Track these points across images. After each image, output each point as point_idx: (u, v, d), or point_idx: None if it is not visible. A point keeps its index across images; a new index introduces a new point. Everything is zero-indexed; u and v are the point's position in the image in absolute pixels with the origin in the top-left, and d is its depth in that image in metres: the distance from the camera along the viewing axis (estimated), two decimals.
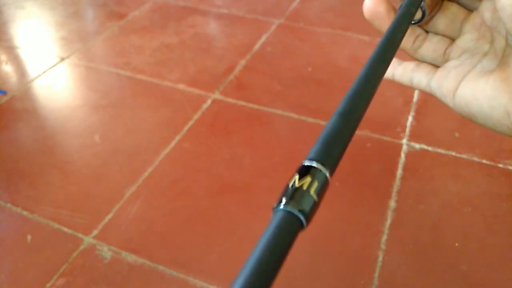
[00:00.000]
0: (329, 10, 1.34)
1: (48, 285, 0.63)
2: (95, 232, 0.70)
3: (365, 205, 0.75)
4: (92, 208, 0.74)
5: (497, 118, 0.21)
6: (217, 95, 0.99)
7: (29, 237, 0.70)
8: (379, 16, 0.24)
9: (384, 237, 0.69)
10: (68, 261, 0.66)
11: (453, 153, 0.84)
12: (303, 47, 1.17)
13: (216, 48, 1.17)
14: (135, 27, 1.27)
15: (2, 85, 1.04)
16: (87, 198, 0.76)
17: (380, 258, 0.66)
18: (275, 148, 0.86)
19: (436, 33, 0.26)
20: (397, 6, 0.23)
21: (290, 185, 0.14)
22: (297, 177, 0.14)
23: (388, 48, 0.20)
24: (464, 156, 0.84)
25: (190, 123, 0.92)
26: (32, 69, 1.10)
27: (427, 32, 0.26)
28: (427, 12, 0.24)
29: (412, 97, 0.99)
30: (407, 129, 0.90)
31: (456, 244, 0.68)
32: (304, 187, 0.14)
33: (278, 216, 0.13)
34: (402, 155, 0.84)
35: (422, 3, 0.23)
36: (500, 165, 0.81)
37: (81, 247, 0.68)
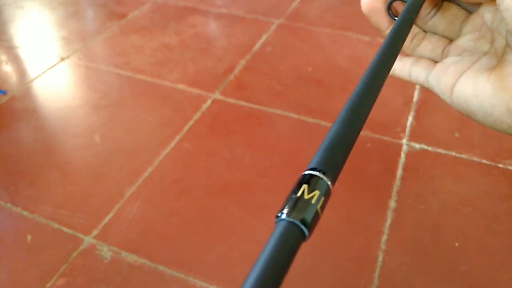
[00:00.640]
0: (329, 10, 1.34)
1: (48, 285, 0.63)
2: (95, 232, 0.70)
3: (365, 205, 0.75)
4: (92, 208, 0.74)
5: (498, 116, 0.21)
6: (217, 95, 0.99)
7: (29, 237, 0.70)
8: (376, 11, 0.25)
9: (384, 237, 0.69)
10: (68, 261, 0.66)
11: (453, 153, 0.84)
12: (303, 47, 1.17)
13: (216, 48, 1.17)
14: (135, 27, 1.27)
15: (2, 85, 1.04)
16: (87, 198, 0.76)
17: (380, 258, 0.66)
18: (275, 148, 0.86)
19: (435, 34, 0.26)
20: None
21: (293, 195, 0.14)
22: (300, 186, 0.14)
23: (389, 55, 0.20)
24: (464, 156, 0.84)
25: (190, 123, 0.92)
26: (32, 69, 1.10)
27: (425, 31, 0.26)
28: None
29: (412, 97, 0.98)
30: (407, 129, 0.90)
31: (456, 244, 0.68)
32: (307, 197, 0.14)
33: (281, 226, 0.13)
34: (402, 155, 0.84)
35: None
36: (500, 165, 0.81)
37: (81, 247, 0.68)
